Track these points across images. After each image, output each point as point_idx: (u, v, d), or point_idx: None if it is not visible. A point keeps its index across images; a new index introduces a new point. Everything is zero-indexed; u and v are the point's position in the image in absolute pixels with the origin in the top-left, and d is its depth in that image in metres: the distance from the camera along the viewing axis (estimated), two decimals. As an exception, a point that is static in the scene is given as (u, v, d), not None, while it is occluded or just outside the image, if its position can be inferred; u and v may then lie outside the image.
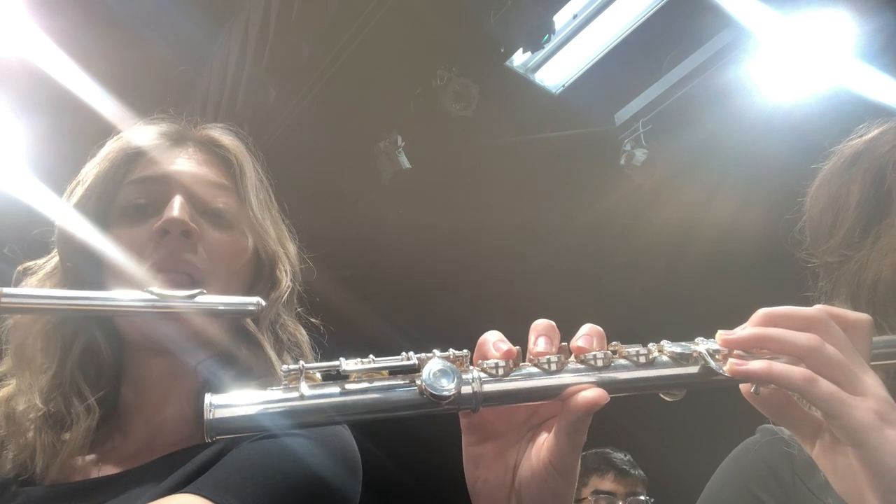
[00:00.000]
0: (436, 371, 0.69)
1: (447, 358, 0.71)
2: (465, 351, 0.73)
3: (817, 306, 0.75)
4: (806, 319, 0.73)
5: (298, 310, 1.28)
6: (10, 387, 1.16)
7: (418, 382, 0.69)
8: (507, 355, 0.72)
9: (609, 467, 2.91)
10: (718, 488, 1.10)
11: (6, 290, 0.80)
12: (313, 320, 1.29)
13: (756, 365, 0.71)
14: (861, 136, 1.15)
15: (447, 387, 0.68)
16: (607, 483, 2.88)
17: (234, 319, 1.17)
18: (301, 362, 0.69)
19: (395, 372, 0.70)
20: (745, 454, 1.10)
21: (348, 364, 0.69)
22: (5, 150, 3.61)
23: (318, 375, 0.69)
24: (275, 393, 0.67)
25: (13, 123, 3.63)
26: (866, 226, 1.07)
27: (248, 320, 1.16)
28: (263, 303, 0.91)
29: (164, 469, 1.02)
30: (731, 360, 0.72)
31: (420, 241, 3.99)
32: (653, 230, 4.14)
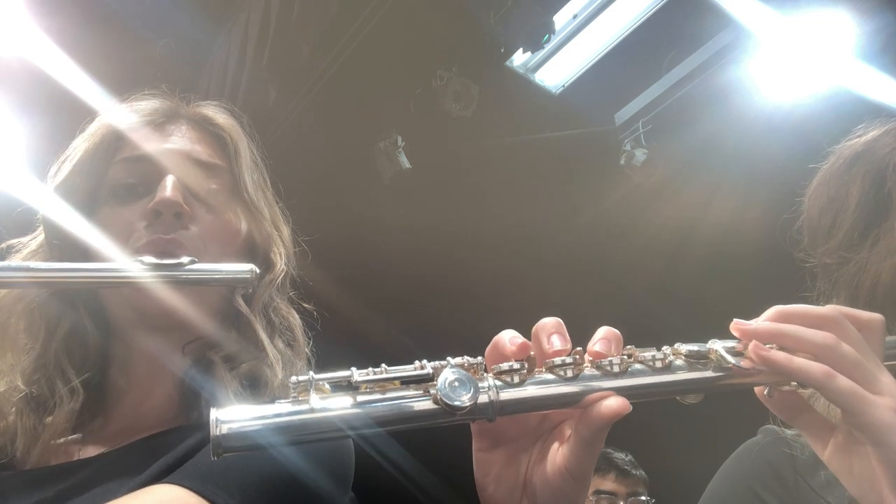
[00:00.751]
0: (451, 381, 0.67)
1: (462, 366, 0.69)
2: (479, 358, 0.71)
3: (831, 305, 0.74)
4: (820, 318, 0.73)
5: (291, 293, 1.24)
6: None
7: (433, 392, 0.67)
8: (522, 349, 0.71)
9: (610, 467, 2.91)
10: (720, 488, 1.10)
11: None
12: (306, 306, 1.26)
13: (777, 354, 0.71)
14: (859, 137, 1.15)
15: (463, 397, 0.66)
16: (608, 483, 2.88)
17: (225, 300, 1.14)
18: (311, 373, 0.65)
19: (407, 382, 0.68)
20: (747, 454, 1.10)
21: (359, 375, 0.67)
22: (5, 150, 3.61)
23: (328, 387, 0.67)
24: (283, 406, 0.64)
25: (13, 123, 3.63)
26: (865, 228, 1.07)
27: (240, 301, 1.13)
28: (257, 270, 0.89)
29: (145, 452, 0.99)
30: (754, 342, 0.72)
31: (420, 242, 3.98)
32: (653, 230, 4.14)
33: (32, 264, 1.03)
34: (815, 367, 0.69)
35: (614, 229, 4.31)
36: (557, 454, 0.72)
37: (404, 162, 3.93)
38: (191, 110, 1.24)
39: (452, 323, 3.96)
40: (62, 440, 1.08)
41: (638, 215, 4.20)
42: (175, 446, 0.98)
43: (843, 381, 0.68)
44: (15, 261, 1.13)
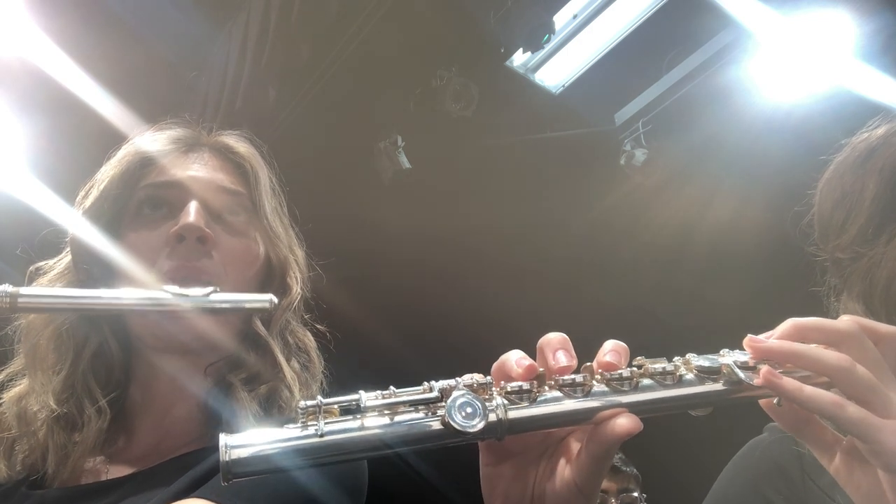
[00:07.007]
0: (460, 403, 0.67)
1: (470, 386, 0.69)
2: (488, 378, 0.71)
3: (847, 318, 0.72)
4: (838, 334, 0.70)
5: (306, 316, 1.28)
6: (21, 386, 1.16)
7: (440, 414, 0.67)
8: (529, 371, 0.70)
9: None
10: (726, 487, 1.09)
11: (24, 290, 0.80)
12: (319, 327, 1.29)
13: (789, 382, 0.69)
14: (873, 130, 1.12)
15: (472, 419, 0.66)
16: (599, 480, 2.86)
17: (244, 323, 1.18)
18: (319, 398, 0.66)
19: (415, 403, 0.68)
20: (753, 453, 1.09)
21: (368, 399, 0.67)
22: (5, 150, 3.61)
23: (337, 408, 0.67)
24: (292, 431, 0.65)
25: (13, 123, 3.63)
26: (881, 223, 1.05)
27: (259, 324, 1.17)
28: (276, 300, 0.91)
29: (173, 471, 1.02)
30: (766, 367, 0.70)
31: (420, 242, 3.98)
32: (653, 230, 4.14)
33: (62, 291, 1.06)
34: (824, 399, 0.67)
35: (614, 229, 4.31)
36: (566, 469, 0.72)
37: (404, 162, 3.93)
38: (212, 139, 1.29)
39: (452, 322, 3.96)
40: (90, 460, 1.11)
41: (638, 215, 4.20)
42: (200, 462, 1.00)
43: (853, 411, 0.66)
44: (46, 287, 1.16)
